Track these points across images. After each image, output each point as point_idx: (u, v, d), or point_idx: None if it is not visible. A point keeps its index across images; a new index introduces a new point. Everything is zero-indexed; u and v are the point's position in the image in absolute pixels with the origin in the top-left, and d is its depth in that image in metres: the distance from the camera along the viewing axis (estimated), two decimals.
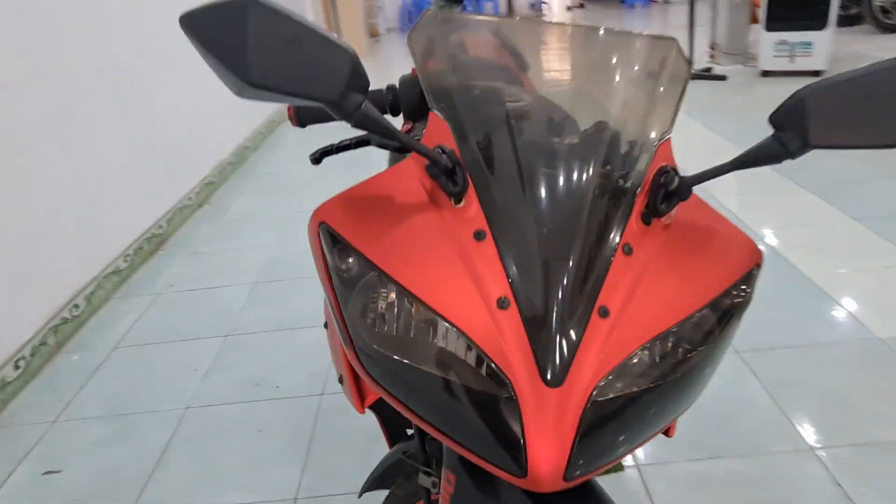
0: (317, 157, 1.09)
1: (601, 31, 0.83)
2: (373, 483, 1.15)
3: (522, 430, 0.63)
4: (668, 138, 0.77)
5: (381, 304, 0.71)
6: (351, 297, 0.72)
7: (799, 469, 1.69)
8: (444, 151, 0.72)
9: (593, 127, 0.77)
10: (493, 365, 0.65)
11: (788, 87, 5.36)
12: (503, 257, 0.68)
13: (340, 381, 0.91)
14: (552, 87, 0.81)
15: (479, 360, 0.66)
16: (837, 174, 3.57)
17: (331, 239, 0.74)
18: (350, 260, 0.73)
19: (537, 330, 0.65)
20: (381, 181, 0.78)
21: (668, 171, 0.73)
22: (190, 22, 0.63)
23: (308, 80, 0.63)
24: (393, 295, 0.70)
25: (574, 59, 0.83)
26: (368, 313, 0.71)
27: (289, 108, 1.01)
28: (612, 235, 0.70)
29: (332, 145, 1.09)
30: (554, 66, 0.83)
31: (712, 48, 6.56)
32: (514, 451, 0.64)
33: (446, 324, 0.67)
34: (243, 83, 0.62)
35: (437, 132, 0.76)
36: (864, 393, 1.93)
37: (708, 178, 0.72)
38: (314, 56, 0.63)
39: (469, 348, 0.66)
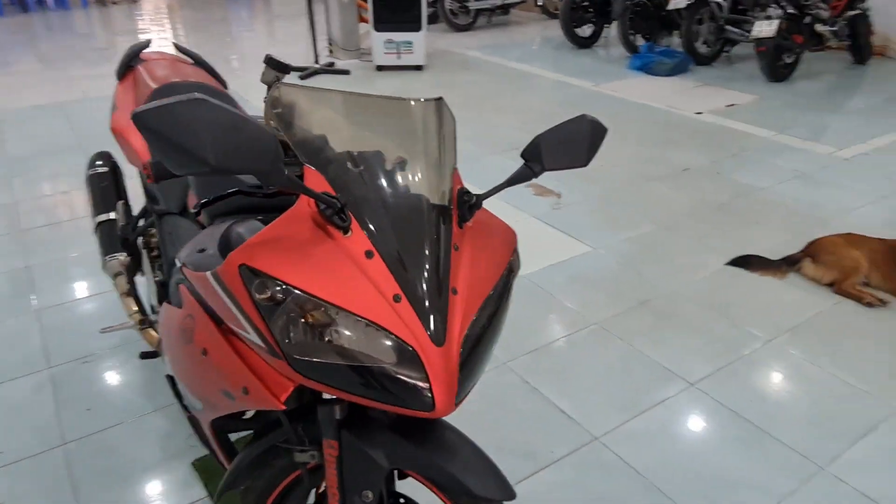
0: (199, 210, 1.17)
1: (398, 99, 1.15)
2: (233, 482, 1.29)
3: (427, 378, 0.96)
4: (455, 167, 1.16)
5: (308, 317, 0.94)
6: (277, 318, 0.94)
7: (502, 380, 2.32)
8: (331, 196, 0.97)
9: (413, 166, 1.10)
10: (400, 340, 0.96)
11: (400, 79, 6.34)
12: (389, 267, 0.99)
13: (246, 392, 1.07)
14: (374, 142, 1.11)
15: (390, 338, 0.96)
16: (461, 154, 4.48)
17: (252, 275, 0.93)
18: (276, 288, 0.94)
19: (422, 312, 0.98)
20: (283, 224, 0.99)
21: (466, 192, 1.11)
22: (144, 119, 0.76)
23: (247, 157, 0.82)
24: (314, 307, 0.94)
25: (382, 121, 1.14)
26: (296, 327, 0.94)
27: (145, 166, 1.07)
28: (445, 239, 1.06)
29: (216, 197, 1.18)
30: (369, 126, 1.12)
31: (331, 44, 7.22)
32: (423, 393, 0.96)
33: (362, 320, 0.95)
34: (205, 167, 0.78)
35: (315, 182, 1.00)
36: (523, 318, 2.68)
37: (491, 195, 1.13)
38: (249, 138, 0.82)
39: (380, 332, 0.96)
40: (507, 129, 4.88)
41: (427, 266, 1.01)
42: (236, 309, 0.99)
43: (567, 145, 1.13)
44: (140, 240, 2.05)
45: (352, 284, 0.96)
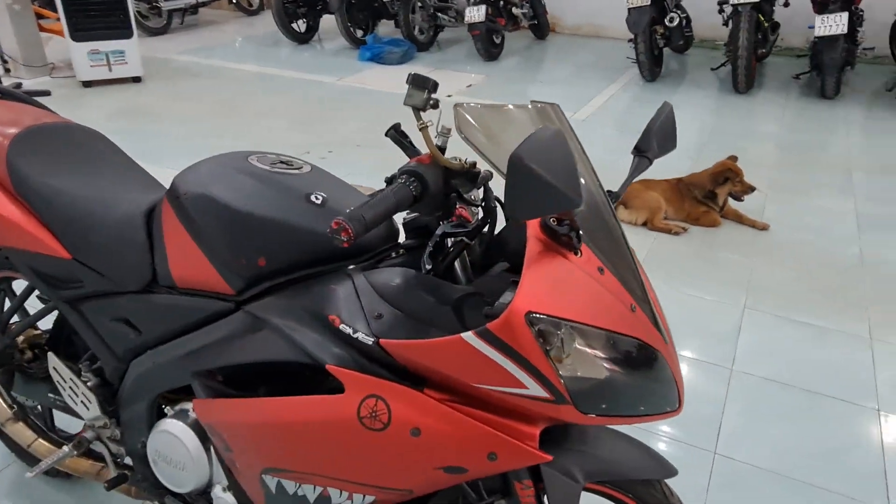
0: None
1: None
2: None
3: (673, 378, 0.97)
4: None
5: (588, 350, 0.88)
6: (565, 360, 0.86)
7: None
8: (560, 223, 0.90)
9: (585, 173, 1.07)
10: (653, 349, 0.96)
11: (120, 95, 5.51)
12: (619, 279, 0.95)
13: (493, 457, 0.93)
14: None
15: (646, 350, 0.95)
16: None
17: (545, 321, 0.84)
18: (561, 330, 0.86)
19: (651, 316, 0.99)
20: (535, 259, 0.90)
21: (610, 191, 1.11)
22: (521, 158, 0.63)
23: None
24: (593, 338, 0.89)
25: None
26: (581, 364, 0.88)
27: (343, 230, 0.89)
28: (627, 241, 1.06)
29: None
30: None
31: (5, 62, 5.88)
32: (672, 394, 0.98)
33: (628, 339, 0.94)
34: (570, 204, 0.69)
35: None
36: None
37: (621, 193, 1.15)
38: None
39: (640, 347, 0.95)
40: (284, 132, 4.63)
41: (634, 270, 1.00)
42: (513, 363, 0.86)
43: (662, 132, 1.20)
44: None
45: (607, 306, 0.91)
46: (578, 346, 0.89)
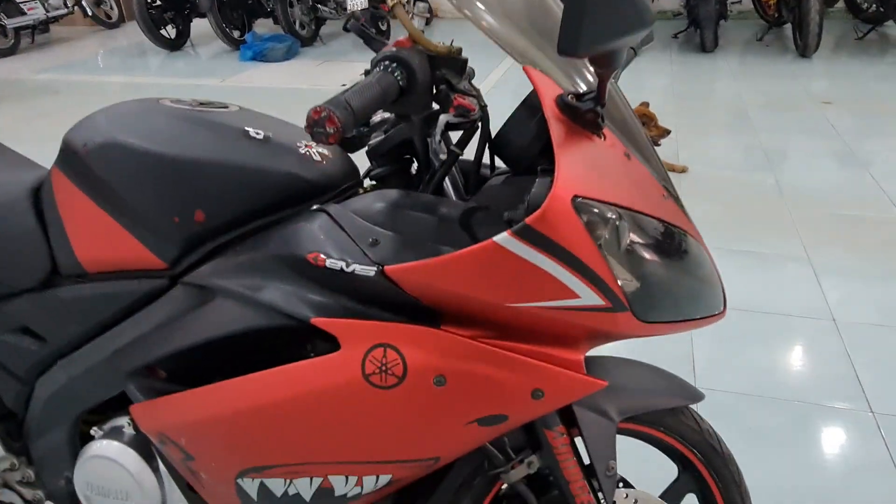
0: None
1: None
2: None
3: (717, 275, 0.85)
4: None
5: (639, 240, 0.73)
6: (618, 254, 0.70)
7: None
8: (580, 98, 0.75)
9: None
10: (695, 241, 0.83)
11: None
12: (647, 168, 0.81)
13: (539, 394, 0.75)
14: None
15: (688, 242, 0.82)
16: None
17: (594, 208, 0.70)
18: (612, 216, 0.72)
19: (682, 207, 0.86)
20: (565, 137, 0.73)
21: None
22: None
23: None
24: (643, 226, 0.75)
25: None
26: (633, 259, 0.73)
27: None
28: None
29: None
30: None
31: None
32: (716, 293, 0.87)
33: (672, 228, 0.81)
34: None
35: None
36: None
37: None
38: None
39: (684, 238, 0.83)
40: None
41: (654, 156, 0.86)
42: (562, 265, 0.68)
43: None
44: None
45: (646, 192, 0.77)
46: (629, 241, 0.74)
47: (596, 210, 0.72)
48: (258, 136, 0.92)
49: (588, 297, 0.72)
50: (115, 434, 1.04)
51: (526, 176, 0.83)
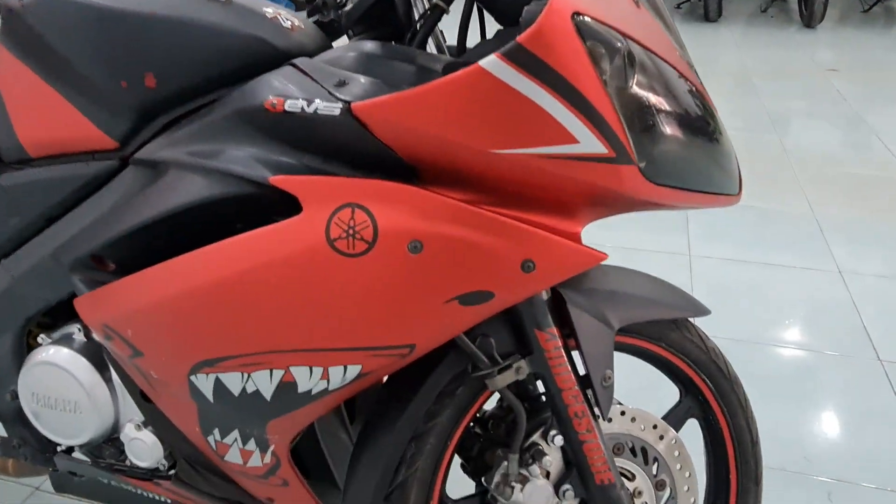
0: None
1: None
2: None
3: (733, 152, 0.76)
4: None
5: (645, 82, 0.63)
6: (623, 92, 0.61)
7: None
8: None
9: None
10: (705, 100, 0.72)
11: None
12: (658, 20, 0.73)
13: (531, 266, 0.64)
14: None
15: (697, 98, 0.73)
16: None
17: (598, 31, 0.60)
18: (618, 44, 0.61)
19: (695, 73, 0.77)
20: None
21: None
22: None
23: None
24: (650, 65, 0.64)
25: None
26: (640, 101, 0.64)
27: None
28: None
29: None
30: None
31: None
32: (733, 167, 0.76)
33: (680, 76, 0.71)
34: None
35: None
36: None
37: None
38: None
39: (692, 90, 0.72)
40: None
41: (665, 15, 0.77)
42: (559, 99, 0.58)
43: None
44: None
45: (658, 38, 0.68)
46: (636, 84, 0.64)
47: (600, 34, 0.62)
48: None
49: (588, 142, 0.62)
50: (65, 341, 0.94)
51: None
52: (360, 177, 0.66)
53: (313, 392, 0.73)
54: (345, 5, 0.94)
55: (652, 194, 0.66)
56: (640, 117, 0.64)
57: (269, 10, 0.84)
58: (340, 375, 0.71)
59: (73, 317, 0.97)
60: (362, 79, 0.68)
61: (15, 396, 1.00)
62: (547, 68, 0.59)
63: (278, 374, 0.72)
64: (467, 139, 0.62)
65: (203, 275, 0.70)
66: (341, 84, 0.67)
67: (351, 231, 0.64)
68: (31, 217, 0.91)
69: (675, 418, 1.01)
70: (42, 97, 0.85)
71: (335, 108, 0.64)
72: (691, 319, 0.99)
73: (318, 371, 0.71)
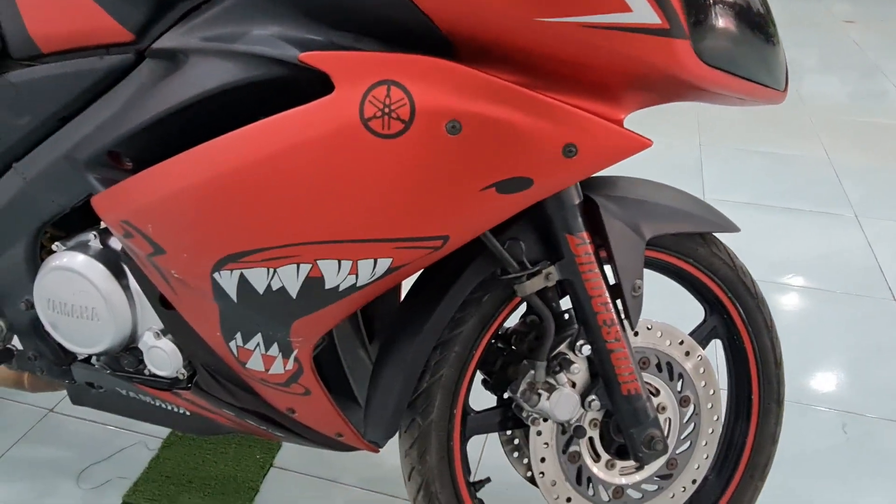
0: None
1: None
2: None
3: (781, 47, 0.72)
4: None
5: None
6: None
7: None
8: None
9: None
10: None
11: None
12: None
13: (573, 150, 0.62)
14: None
15: None
16: None
17: None
18: None
19: None
20: None
21: None
22: None
23: None
24: None
25: None
26: None
27: None
28: None
29: None
30: None
31: None
32: (779, 66, 0.73)
33: None
34: None
35: None
36: None
37: None
38: None
39: None
40: None
41: None
42: None
43: None
44: None
45: None
46: None
47: None
48: None
49: (642, 10, 0.58)
50: (80, 247, 0.92)
51: None
52: (389, 49, 0.63)
53: (341, 288, 0.71)
54: None
55: (702, 76, 0.63)
56: None
57: None
58: (370, 269, 0.69)
59: (87, 226, 0.95)
60: None
61: (30, 306, 0.99)
62: None
63: (305, 268, 0.70)
64: (511, 4, 0.58)
65: (228, 162, 0.67)
66: None
67: (386, 109, 0.61)
68: (43, 116, 0.87)
69: (699, 337, 1.00)
70: None
71: None
72: (718, 235, 0.98)
73: (346, 265, 0.69)
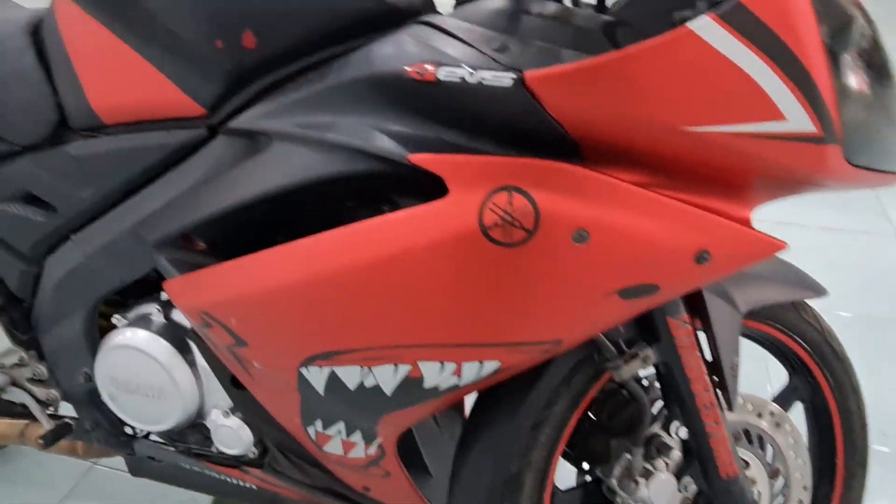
0: None
1: None
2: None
3: None
4: None
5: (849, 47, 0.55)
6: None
7: None
8: None
9: None
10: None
11: None
12: None
13: (705, 257, 0.57)
14: None
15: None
16: None
17: None
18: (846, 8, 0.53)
19: None
20: None
21: None
22: None
23: None
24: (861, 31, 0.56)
25: None
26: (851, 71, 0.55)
27: None
28: None
29: None
30: None
31: None
32: None
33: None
34: None
35: None
36: None
37: None
38: None
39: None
40: None
41: None
42: (774, 68, 0.50)
43: None
44: None
45: None
46: (854, 51, 0.56)
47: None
48: None
49: (797, 119, 0.53)
50: (143, 322, 0.88)
51: None
52: (512, 154, 0.59)
53: (441, 388, 0.67)
54: None
55: (848, 177, 0.59)
56: (851, 90, 0.56)
57: None
58: (475, 371, 0.65)
59: (144, 293, 0.91)
60: (522, 41, 0.59)
61: (88, 378, 0.95)
62: (766, 31, 0.50)
63: (404, 368, 0.66)
64: (658, 114, 0.54)
65: (328, 262, 0.63)
66: (503, 48, 0.58)
67: (508, 218, 0.57)
68: (105, 190, 0.83)
69: (781, 400, 0.97)
70: (117, 57, 0.76)
71: (505, 79, 0.56)
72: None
73: (450, 367, 0.65)
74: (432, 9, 0.79)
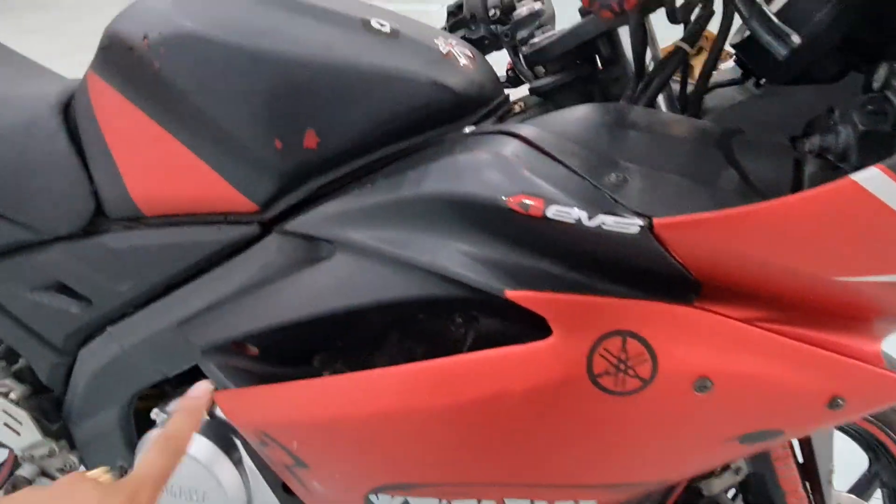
0: None
1: None
2: None
3: None
4: None
5: None
6: None
7: None
8: None
9: None
10: None
11: None
12: None
13: (838, 403, 0.51)
14: None
15: None
16: None
17: None
18: None
19: None
20: None
21: None
22: None
23: None
24: None
25: None
26: None
27: None
28: None
29: None
30: None
31: None
32: None
33: None
34: None
35: None
36: None
37: None
38: None
39: None
40: None
41: None
42: None
43: None
44: None
45: None
46: None
47: None
48: (384, 29, 0.66)
49: None
50: None
51: (794, 85, 0.57)
52: (622, 294, 0.53)
53: None
54: (499, 19, 0.78)
55: None
56: None
57: (441, 43, 0.68)
58: None
59: (182, 383, 0.85)
60: (641, 172, 0.53)
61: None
62: None
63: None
64: (807, 265, 0.48)
65: (410, 396, 0.56)
66: (619, 184, 0.52)
67: (622, 366, 0.51)
68: (145, 284, 0.77)
69: (863, 485, 0.91)
70: (161, 147, 0.70)
71: (631, 227, 0.50)
72: None
73: None
74: (501, 93, 0.73)
